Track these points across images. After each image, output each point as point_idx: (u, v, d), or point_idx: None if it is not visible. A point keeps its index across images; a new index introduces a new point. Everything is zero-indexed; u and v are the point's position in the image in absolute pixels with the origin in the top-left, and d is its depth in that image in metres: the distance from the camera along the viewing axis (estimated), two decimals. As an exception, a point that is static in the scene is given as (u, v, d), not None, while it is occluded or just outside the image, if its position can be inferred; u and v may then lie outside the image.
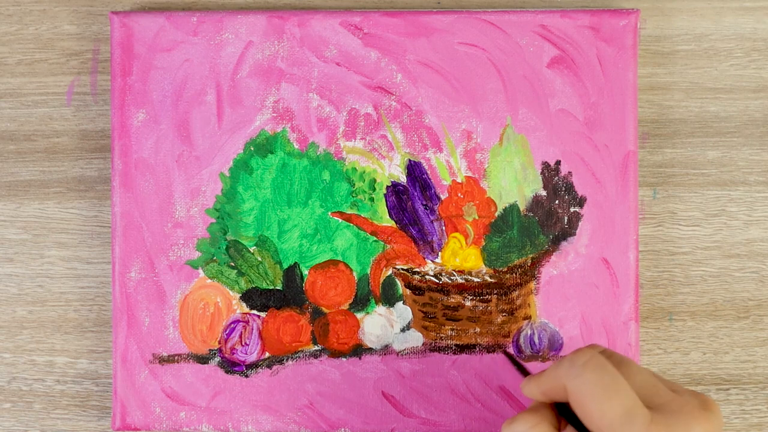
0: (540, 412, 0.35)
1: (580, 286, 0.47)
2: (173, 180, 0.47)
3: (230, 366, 0.47)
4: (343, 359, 0.47)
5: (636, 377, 0.35)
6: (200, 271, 0.47)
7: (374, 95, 0.47)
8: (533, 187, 0.47)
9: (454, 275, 0.47)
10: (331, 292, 0.47)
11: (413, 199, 0.47)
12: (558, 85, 0.47)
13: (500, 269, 0.47)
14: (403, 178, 0.47)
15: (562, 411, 0.36)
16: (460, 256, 0.47)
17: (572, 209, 0.47)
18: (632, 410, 0.32)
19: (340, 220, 0.47)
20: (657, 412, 0.33)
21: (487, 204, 0.47)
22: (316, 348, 0.47)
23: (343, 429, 0.47)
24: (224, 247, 0.47)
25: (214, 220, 0.47)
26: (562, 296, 0.47)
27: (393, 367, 0.47)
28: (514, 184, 0.47)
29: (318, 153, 0.47)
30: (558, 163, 0.47)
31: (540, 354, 0.47)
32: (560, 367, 0.34)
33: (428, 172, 0.47)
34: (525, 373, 0.39)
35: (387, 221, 0.47)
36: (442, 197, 0.47)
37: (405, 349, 0.47)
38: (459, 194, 0.47)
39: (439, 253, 0.47)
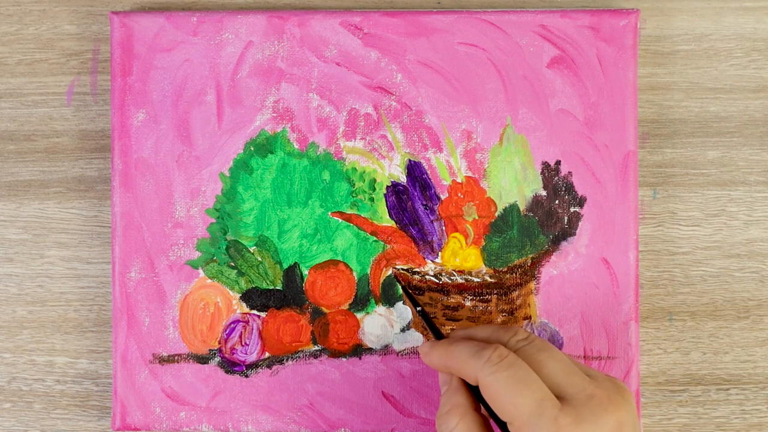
0: (463, 401, 0.37)
1: (580, 286, 0.47)
2: (173, 180, 0.47)
3: (230, 366, 0.47)
4: (343, 359, 0.47)
5: (553, 365, 0.36)
6: (200, 271, 0.47)
7: (374, 95, 0.47)
8: (533, 187, 0.47)
9: (454, 275, 0.47)
10: (331, 292, 0.47)
11: (413, 199, 0.47)
12: (558, 85, 0.47)
13: (500, 269, 0.47)
14: (403, 178, 0.47)
15: (473, 390, 0.38)
16: (460, 256, 0.47)
17: (572, 209, 0.47)
18: (542, 403, 0.34)
19: (340, 220, 0.47)
20: (567, 402, 0.35)
21: (487, 204, 0.47)
22: (316, 348, 0.47)
23: (343, 429, 0.47)
24: (224, 247, 0.47)
25: (214, 220, 0.47)
26: (562, 296, 0.47)
27: (393, 367, 0.47)
28: (514, 184, 0.47)
29: (318, 153, 0.47)
30: (558, 163, 0.47)
31: (540, 354, 0.47)
32: (474, 360, 0.36)
33: (428, 172, 0.47)
34: (436, 332, 0.41)
35: (387, 221, 0.47)
36: (442, 197, 0.47)
37: (405, 349, 0.47)
38: (459, 194, 0.47)
39: (439, 253, 0.47)
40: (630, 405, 0.36)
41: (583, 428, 0.34)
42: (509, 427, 0.35)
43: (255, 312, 0.47)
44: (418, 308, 0.42)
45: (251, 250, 0.47)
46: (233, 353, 0.47)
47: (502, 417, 0.35)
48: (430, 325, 0.41)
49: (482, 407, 0.38)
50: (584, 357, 0.47)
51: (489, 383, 0.35)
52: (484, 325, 0.41)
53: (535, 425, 0.34)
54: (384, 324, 0.47)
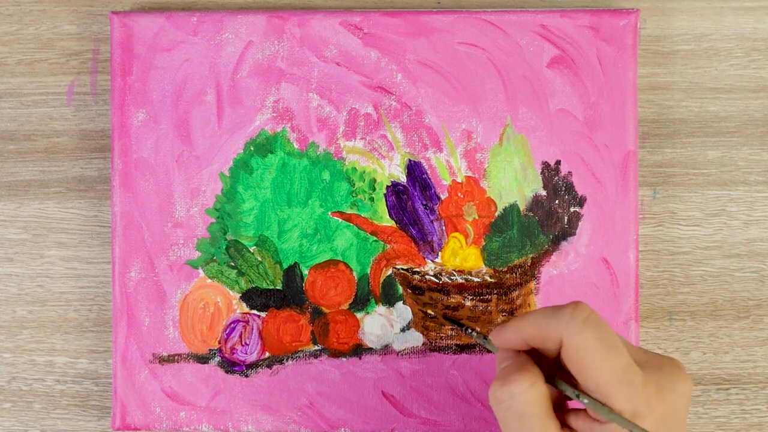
0: (532, 370, 0.34)
1: (580, 286, 0.47)
2: (173, 180, 0.47)
3: (230, 366, 0.47)
4: (343, 359, 0.47)
5: (621, 338, 0.35)
6: (200, 271, 0.47)
7: (374, 95, 0.47)
8: (533, 186, 0.47)
9: (454, 275, 0.47)
10: (331, 291, 0.47)
11: (413, 199, 0.47)
12: (558, 85, 0.47)
13: (500, 269, 0.47)
14: (403, 178, 0.47)
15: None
16: (460, 255, 0.47)
17: (572, 209, 0.47)
18: (630, 368, 0.32)
19: (340, 220, 0.47)
20: (645, 370, 0.33)
21: (487, 204, 0.47)
22: (316, 348, 0.47)
23: (343, 429, 0.47)
24: (224, 247, 0.47)
25: (214, 220, 0.47)
26: (562, 296, 0.47)
27: (393, 366, 0.47)
28: (514, 184, 0.47)
29: (318, 153, 0.47)
30: (558, 162, 0.47)
31: (540, 354, 0.47)
32: (557, 319, 0.33)
33: (428, 171, 0.47)
34: (463, 327, 0.40)
35: (387, 221, 0.47)
36: (442, 197, 0.47)
37: (405, 349, 0.47)
38: (459, 194, 0.47)
39: (439, 253, 0.47)
40: (688, 375, 0.34)
41: (665, 398, 0.32)
42: (593, 394, 0.33)
43: (255, 312, 0.47)
44: (465, 328, 0.41)
45: (251, 250, 0.47)
46: (233, 353, 0.47)
47: (586, 383, 0.33)
48: (482, 335, 0.40)
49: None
50: (584, 357, 0.47)
51: (576, 343, 0.32)
52: (552, 306, 0.36)
53: (624, 393, 0.32)
54: (384, 324, 0.47)
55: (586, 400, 0.33)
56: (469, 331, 0.43)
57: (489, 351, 0.47)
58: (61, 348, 0.49)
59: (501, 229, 0.47)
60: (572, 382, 0.34)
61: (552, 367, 0.35)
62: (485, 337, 0.39)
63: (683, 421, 0.34)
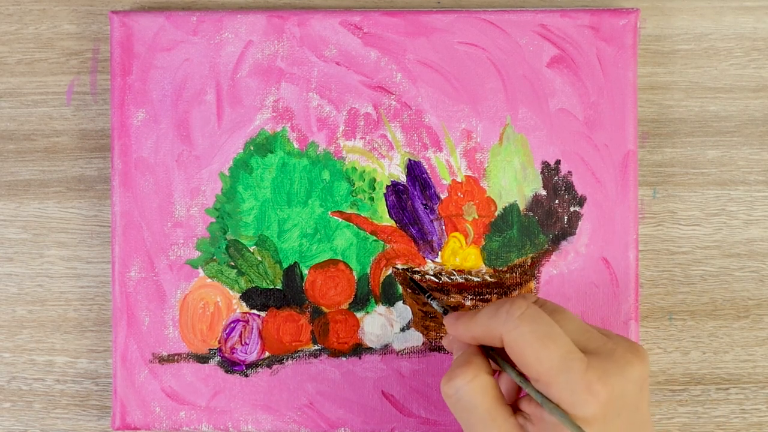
0: (475, 363, 0.36)
1: (580, 285, 0.47)
2: (173, 180, 0.47)
3: (230, 365, 0.47)
4: (343, 359, 0.47)
5: (569, 324, 0.36)
6: (200, 270, 0.47)
7: (374, 95, 0.47)
8: (533, 186, 0.47)
9: (454, 275, 0.47)
10: (331, 291, 0.47)
11: (413, 199, 0.47)
12: (558, 85, 0.47)
13: (500, 269, 0.47)
14: (402, 178, 0.47)
15: (491, 355, 0.37)
16: (460, 255, 0.47)
17: (572, 209, 0.47)
18: (569, 356, 0.33)
19: (340, 220, 0.47)
20: (592, 356, 0.34)
21: (487, 203, 0.47)
22: (316, 347, 0.47)
23: (343, 428, 0.47)
24: (224, 247, 0.47)
25: (214, 220, 0.47)
26: (562, 296, 0.47)
27: (393, 366, 0.47)
28: (513, 184, 0.47)
29: (318, 152, 0.47)
30: (558, 162, 0.47)
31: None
32: (496, 318, 0.35)
33: (428, 171, 0.47)
34: (425, 292, 0.40)
35: (387, 221, 0.47)
36: (442, 197, 0.47)
37: (405, 349, 0.47)
38: (459, 194, 0.47)
39: (439, 252, 0.47)
40: (647, 360, 0.35)
41: (611, 382, 0.33)
42: (535, 384, 0.34)
43: (255, 311, 0.47)
44: (427, 295, 0.42)
45: (251, 249, 0.47)
46: (233, 353, 0.47)
47: (528, 373, 0.34)
48: (443, 307, 0.41)
49: (503, 373, 0.36)
50: (584, 356, 0.47)
51: (513, 338, 0.34)
52: (497, 301, 0.39)
53: (563, 380, 0.33)
54: (384, 323, 0.47)
55: (528, 390, 0.34)
56: (430, 299, 0.43)
57: None
58: (61, 348, 0.49)
59: (501, 228, 0.47)
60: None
61: (507, 357, 0.36)
62: (444, 312, 0.40)
63: (638, 407, 0.34)
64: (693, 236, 0.49)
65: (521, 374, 0.35)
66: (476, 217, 0.47)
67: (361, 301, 0.47)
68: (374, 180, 0.47)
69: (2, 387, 0.49)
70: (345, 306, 0.47)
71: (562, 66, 0.47)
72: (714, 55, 0.49)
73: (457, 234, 0.47)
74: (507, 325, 0.34)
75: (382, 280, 0.47)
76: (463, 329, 0.37)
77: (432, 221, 0.47)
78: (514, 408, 0.36)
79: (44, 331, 0.49)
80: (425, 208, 0.47)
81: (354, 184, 0.47)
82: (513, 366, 0.36)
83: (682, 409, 0.49)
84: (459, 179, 0.47)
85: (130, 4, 0.49)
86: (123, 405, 0.47)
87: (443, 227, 0.47)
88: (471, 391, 0.35)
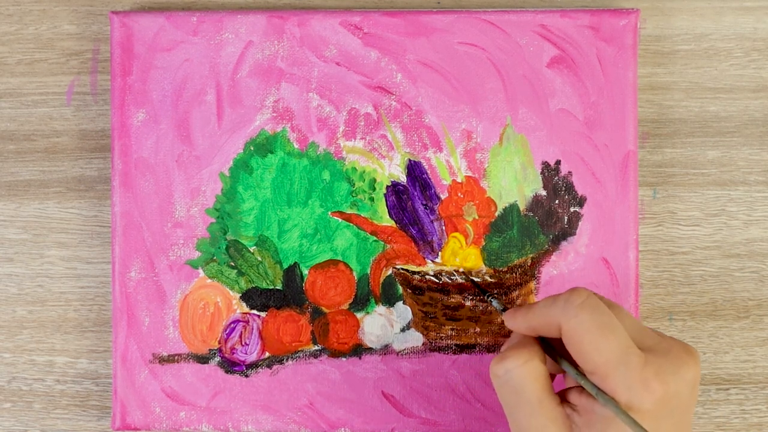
0: (529, 348, 0.35)
1: (580, 285, 0.47)
2: (173, 180, 0.47)
3: (230, 366, 0.47)
4: (343, 359, 0.47)
5: (626, 320, 0.35)
6: (200, 270, 0.47)
7: (374, 95, 0.47)
8: (533, 186, 0.47)
9: (454, 275, 0.47)
10: (331, 291, 0.47)
11: (413, 199, 0.47)
12: (558, 85, 0.47)
13: (500, 269, 0.47)
14: (403, 178, 0.47)
15: (546, 347, 0.36)
16: (460, 255, 0.47)
17: (572, 209, 0.47)
18: (627, 350, 0.32)
19: (340, 220, 0.47)
20: (648, 353, 0.33)
21: (487, 204, 0.47)
22: (316, 348, 0.47)
23: (343, 429, 0.47)
24: (224, 247, 0.47)
25: (214, 220, 0.47)
26: (562, 296, 0.47)
27: (393, 367, 0.47)
28: (514, 184, 0.47)
29: (318, 153, 0.47)
30: (558, 162, 0.47)
31: (540, 354, 0.47)
32: (555, 306, 0.34)
33: (428, 171, 0.47)
34: (484, 292, 0.39)
35: (387, 221, 0.47)
36: (442, 197, 0.47)
37: (405, 349, 0.47)
38: (459, 194, 0.47)
39: (439, 252, 0.47)
40: (699, 362, 0.34)
41: (666, 380, 0.32)
42: (590, 377, 0.33)
43: (255, 312, 0.47)
44: (487, 294, 0.41)
45: (251, 249, 0.47)
46: (233, 353, 0.47)
47: (585, 365, 0.33)
48: (503, 306, 0.40)
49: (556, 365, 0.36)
50: (584, 357, 0.47)
51: (572, 327, 0.33)
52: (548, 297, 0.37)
53: (621, 374, 0.32)
54: (384, 324, 0.47)
55: (583, 382, 0.33)
56: (490, 298, 0.42)
57: (496, 348, 0.47)
58: (61, 348, 0.49)
59: (501, 229, 0.47)
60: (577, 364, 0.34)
61: (561, 347, 0.36)
62: (503, 310, 0.39)
63: (688, 409, 0.34)
64: (693, 236, 0.49)
65: (575, 366, 0.35)
66: (476, 217, 0.47)
67: (361, 302, 0.47)
68: (374, 180, 0.47)
69: (2, 387, 0.49)
70: (345, 306, 0.47)
71: (562, 66, 0.47)
72: (714, 55, 0.49)
73: (457, 234, 0.47)
74: (566, 313, 0.33)
75: (382, 280, 0.47)
76: (521, 320, 0.36)
77: (432, 221, 0.47)
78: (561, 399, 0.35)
79: (44, 331, 0.49)
80: (425, 208, 0.47)
81: (354, 184, 0.47)
82: (566, 358, 0.35)
83: (682, 409, 0.48)
84: (459, 179, 0.47)
85: (130, 4, 0.49)
86: (123, 405, 0.47)
87: (443, 227, 0.47)
88: (522, 374, 0.34)
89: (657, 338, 0.35)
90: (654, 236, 0.49)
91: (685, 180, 0.49)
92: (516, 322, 0.37)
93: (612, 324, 0.33)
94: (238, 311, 0.47)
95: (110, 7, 0.49)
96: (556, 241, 0.47)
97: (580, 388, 0.35)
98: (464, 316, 0.47)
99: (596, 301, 0.34)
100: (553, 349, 0.36)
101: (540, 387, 0.34)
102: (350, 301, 0.47)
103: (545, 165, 0.47)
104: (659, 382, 0.32)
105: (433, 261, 0.47)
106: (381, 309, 0.47)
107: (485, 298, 0.41)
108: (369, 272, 0.47)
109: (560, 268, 0.47)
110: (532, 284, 0.47)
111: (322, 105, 0.47)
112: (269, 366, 0.47)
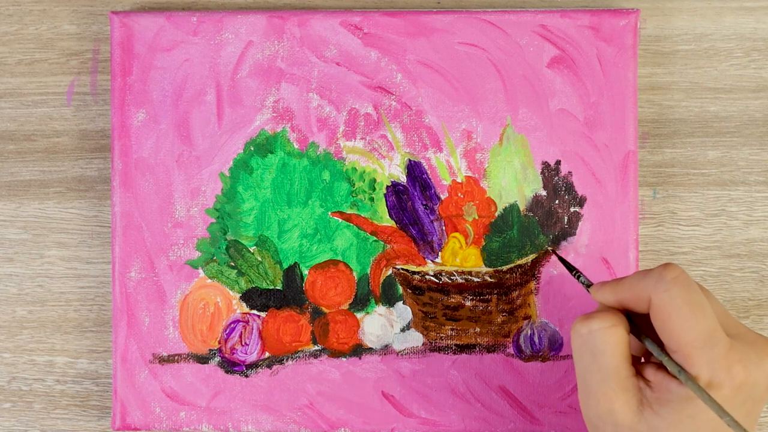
0: (617, 315, 0.35)
1: (580, 286, 0.47)
2: (173, 180, 0.47)
3: (230, 366, 0.47)
4: (343, 359, 0.47)
5: (714, 304, 0.34)
6: (200, 271, 0.47)
7: (374, 95, 0.47)
8: (533, 187, 0.47)
9: (454, 275, 0.47)
10: (331, 292, 0.47)
11: (413, 199, 0.47)
12: (558, 85, 0.47)
13: (500, 269, 0.47)
14: (403, 178, 0.47)
15: (630, 324, 0.35)
16: (460, 255, 0.47)
17: (572, 209, 0.47)
18: (715, 333, 0.32)
19: (340, 220, 0.47)
20: (734, 339, 0.33)
21: (487, 204, 0.47)
22: (316, 348, 0.47)
23: (343, 429, 0.47)
24: (224, 247, 0.47)
25: (214, 220, 0.47)
26: (562, 296, 0.47)
27: (393, 367, 0.47)
28: (514, 184, 0.47)
29: (318, 153, 0.47)
30: (558, 162, 0.47)
31: (540, 354, 0.47)
32: (646, 280, 0.34)
33: (428, 171, 0.47)
34: (572, 269, 0.39)
35: (387, 221, 0.47)
36: (442, 197, 0.47)
37: (405, 349, 0.47)
38: (459, 194, 0.47)
39: (439, 253, 0.47)
40: None
41: (749, 368, 0.32)
42: (673, 356, 0.33)
43: (255, 312, 0.47)
44: (575, 272, 0.40)
45: (251, 250, 0.47)
46: (233, 353, 0.47)
47: (669, 342, 0.33)
48: (589, 282, 0.39)
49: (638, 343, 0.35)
50: (584, 357, 0.47)
51: (663, 300, 0.32)
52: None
53: (706, 356, 0.31)
54: (384, 324, 0.47)
55: (665, 360, 0.33)
56: (577, 274, 0.41)
57: (496, 348, 0.47)
58: (61, 348, 0.49)
59: (501, 229, 0.47)
60: (660, 342, 0.34)
61: (644, 326, 0.35)
62: (589, 285, 0.39)
63: (760, 401, 0.33)
64: (693, 237, 0.49)
65: (658, 344, 0.34)
66: (476, 217, 0.47)
67: (361, 302, 0.47)
68: (374, 180, 0.47)
69: (2, 387, 0.49)
70: (345, 306, 0.47)
71: (562, 66, 0.47)
72: (714, 55, 0.49)
73: (457, 234, 0.47)
74: (658, 287, 0.33)
75: (382, 280, 0.47)
76: (609, 292, 0.36)
77: (432, 222, 0.47)
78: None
79: (44, 331, 0.49)
80: (425, 208, 0.47)
81: (354, 184, 0.47)
82: (650, 336, 0.35)
83: (683, 409, 0.48)
84: (459, 180, 0.47)
85: (130, 4, 0.49)
86: (123, 405, 0.47)
87: (443, 228, 0.47)
88: (605, 337, 0.34)
89: (743, 328, 0.34)
90: (654, 236, 0.49)
91: (685, 180, 0.49)
92: (604, 294, 0.36)
93: (702, 303, 0.32)
94: (238, 311, 0.47)
95: (110, 7, 0.49)
96: (556, 242, 0.47)
97: (657, 365, 0.34)
98: (464, 317, 0.47)
99: (688, 278, 0.33)
100: (636, 327, 0.35)
101: (620, 354, 0.34)
102: (350, 301, 0.47)
103: (545, 165, 0.47)
104: (742, 368, 0.32)
105: (433, 261, 0.47)
106: (381, 309, 0.47)
107: (573, 274, 0.40)
108: (369, 272, 0.47)
109: (560, 268, 0.47)
110: (532, 284, 0.47)
111: (322, 105, 0.47)
112: (269, 366, 0.47)
